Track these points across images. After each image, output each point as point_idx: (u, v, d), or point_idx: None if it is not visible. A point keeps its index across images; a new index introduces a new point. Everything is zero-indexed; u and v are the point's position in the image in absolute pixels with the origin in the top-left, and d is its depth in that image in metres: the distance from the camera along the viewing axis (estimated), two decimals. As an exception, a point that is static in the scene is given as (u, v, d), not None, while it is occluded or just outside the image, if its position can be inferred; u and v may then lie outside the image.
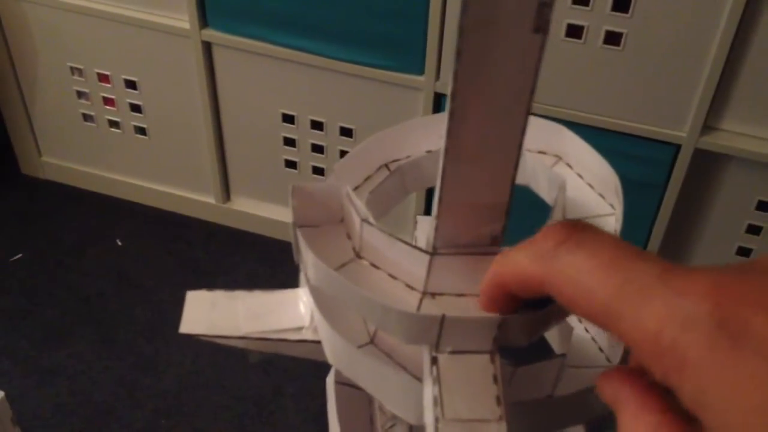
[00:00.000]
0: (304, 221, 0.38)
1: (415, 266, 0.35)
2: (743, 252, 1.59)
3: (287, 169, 1.73)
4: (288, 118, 1.65)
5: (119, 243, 1.81)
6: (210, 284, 1.75)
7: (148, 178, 1.86)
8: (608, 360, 0.43)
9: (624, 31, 1.33)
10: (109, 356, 1.61)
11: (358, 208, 0.37)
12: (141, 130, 1.78)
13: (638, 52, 1.35)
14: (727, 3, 1.26)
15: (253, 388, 1.58)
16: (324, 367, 0.45)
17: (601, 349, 0.43)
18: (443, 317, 0.32)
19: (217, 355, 1.63)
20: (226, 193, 1.83)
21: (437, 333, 0.33)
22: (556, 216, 0.39)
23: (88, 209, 1.90)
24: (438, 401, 0.31)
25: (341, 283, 0.35)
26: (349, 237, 0.38)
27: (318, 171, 1.71)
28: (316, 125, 1.64)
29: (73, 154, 1.88)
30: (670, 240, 1.58)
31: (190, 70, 1.62)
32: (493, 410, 0.31)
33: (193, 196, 1.85)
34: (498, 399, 0.32)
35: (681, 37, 1.32)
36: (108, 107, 1.76)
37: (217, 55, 1.60)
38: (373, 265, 0.36)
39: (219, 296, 0.45)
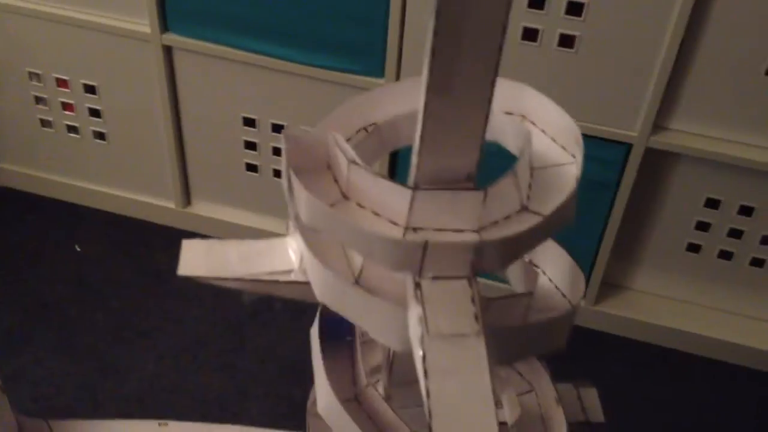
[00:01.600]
0: (295, 165, 0.41)
1: (399, 203, 0.37)
2: (693, 248, 1.64)
3: (248, 172, 1.75)
4: (249, 122, 1.66)
5: (78, 249, 1.81)
6: (172, 290, 1.75)
7: (107, 184, 1.86)
8: (570, 304, 0.46)
9: (577, 33, 1.37)
10: (71, 361, 1.61)
11: (345, 150, 0.39)
12: (100, 135, 1.79)
13: (591, 54, 1.39)
14: (676, 6, 1.31)
15: (216, 390, 1.59)
16: (288, 372, 0.47)
17: (563, 295, 0.46)
18: (426, 242, 0.34)
19: (179, 358, 1.64)
20: (187, 197, 1.84)
21: (420, 258, 0.35)
22: (523, 165, 0.42)
23: (46, 216, 1.90)
24: (422, 320, 0.34)
25: (332, 217, 0.37)
26: (335, 181, 0.40)
27: (279, 174, 1.73)
28: (277, 128, 1.66)
29: (31, 161, 1.88)
30: (623, 238, 1.63)
31: (151, 75, 1.63)
32: (472, 326, 0.34)
33: (153, 201, 1.85)
34: (476, 317, 0.34)
35: (632, 39, 1.37)
36: (67, 112, 1.76)
37: (178, 59, 1.61)
38: (359, 205, 0.39)
39: (213, 243, 0.47)
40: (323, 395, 0.47)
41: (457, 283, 0.35)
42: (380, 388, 0.52)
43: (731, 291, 1.69)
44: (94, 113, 1.75)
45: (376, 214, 0.38)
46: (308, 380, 1.51)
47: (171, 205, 1.85)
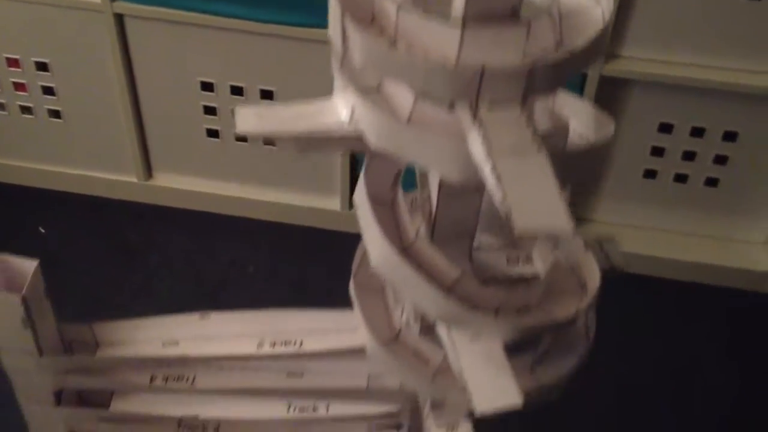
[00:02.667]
0: (347, 13, 0.43)
1: (449, 41, 0.39)
2: (650, 174, 1.70)
3: (209, 138, 1.75)
4: (207, 86, 1.67)
5: (42, 230, 1.79)
6: (144, 263, 1.75)
7: (66, 164, 1.85)
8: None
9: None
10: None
11: None
12: (56, 114, 1.77)
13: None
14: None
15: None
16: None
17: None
18: (483, 67, 0.37)
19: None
20: (148, 170, 1.84)
21: (477, 86, 0.37)
22: (554, 7, 0.45)
23: (4, 202, 1.87)
24: (485, 141, 0.36)
25: (390, 55, 0.39)
26: (381, 33, 0.42)
27: (241, 137, 1.73)
28: (236, 91, 1.66)
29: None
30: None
31: (104, 46, 1.62)
32: (533, 143, 0.36)
33: (115, 177, 1.84)
34: (534, 135, 0.37)
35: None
36: (19, 92, 1.74)
37: (130, 27, 1.60)
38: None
39: (264, 107, 0.49)
40: (376, 249, 0.50)
41: (512, 109, 0.38)
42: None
43: (689, 213, 1.76)
44: (48, 91, 1.73)
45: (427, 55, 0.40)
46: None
47: (133, 179, 1.84)
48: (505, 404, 0.52)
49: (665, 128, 1.62)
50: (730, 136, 1.62)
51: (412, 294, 0.52)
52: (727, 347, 1.66)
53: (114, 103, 1.71)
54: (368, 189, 0.50)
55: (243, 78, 1.64)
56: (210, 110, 1.70)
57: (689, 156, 1.66)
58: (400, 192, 0.54)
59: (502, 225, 0.60)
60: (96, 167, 1.84)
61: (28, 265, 0.62)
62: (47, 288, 0.70)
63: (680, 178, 1.70)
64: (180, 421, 0.74)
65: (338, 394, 0.68)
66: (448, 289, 0.50)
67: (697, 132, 1.62)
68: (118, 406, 0.70)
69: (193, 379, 0.67)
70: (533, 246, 0.59)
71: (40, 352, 0.64)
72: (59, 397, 0.68)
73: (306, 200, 1.81)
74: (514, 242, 0.61)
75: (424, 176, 0.53)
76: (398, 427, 0.74)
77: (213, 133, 1.74)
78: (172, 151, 1.80)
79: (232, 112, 1.70)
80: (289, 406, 0.69)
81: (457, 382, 0.56)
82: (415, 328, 0.58)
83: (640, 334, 1.67)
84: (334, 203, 1.80)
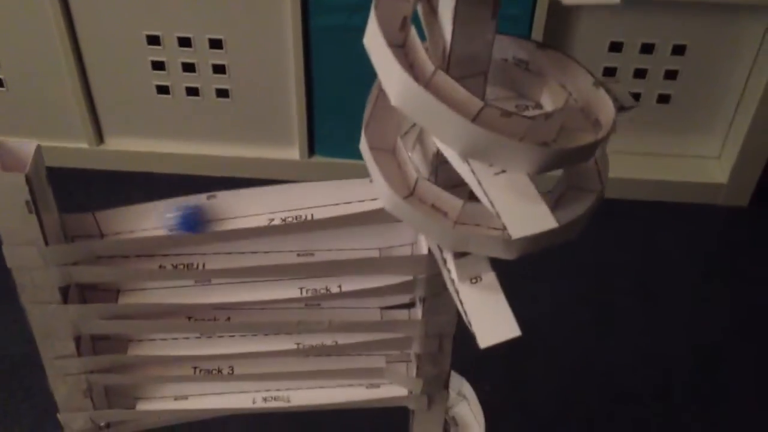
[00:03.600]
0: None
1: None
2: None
3: (160, 95, 1.72)
4: (153, 40, 1.63)
5: None
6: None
7: (11, 133, 1.79)
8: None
9: None
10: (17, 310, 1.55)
11: None
12: (-2, 83, 1.72)
13: None
14: None
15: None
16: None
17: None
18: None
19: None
20: (99, 135, 1.79)
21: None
22: None
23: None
24: None
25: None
26: None
27: (192, 91, 1.70)
28: (184, 42, 1.63)
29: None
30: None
31: (44, 6, 1.57)
32: None
33: (65, 144, 1.80)
34: None
35: None
36: None
37: (70, -18, 1.56)
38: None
39: None
40: (397, 85, 0.50)
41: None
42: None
43: (644, 133, 1.78)
44: (-12, 58, 1.68)
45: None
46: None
47: (84, 145, 1.80)
48: (541, 228, 0.52)
49: (615, 47, 1.64)
50: (679, 50, 1.64)
51: (436, 127, 0.51)
52: (692, 258, 1.70)
53: (58, 66, 1.66)
54: (382, 29, 0.50)
55: (191, 28, 1.61)
56: (158, 65, 1.67)
57: (640, 74, 1.68)
58: (412, 32, 0.53)
59: (510, 76, 0.60)
60: (44, 136, 1.79)
61: (27, 147, 0.60)
62: None
63: (633, 97, 1.72)
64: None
65: (350, 267, 0.67)
66: (473, 117, 0.50)
67: (647, 48, 1.64)
68: (126, 302, 0.68)
69: (203, 265, 0.66)
70: (542, 95, 0.59)
71: (46, 241, 0.62)
72: (65, 295, 0.66)
73: (264, 152, 1.79)
74: (523, 93, 0.61)
75: (432, 20, 0.53)
76: (411, 304, 0.74)
77: (163, 89, 1.71)
78: (123, 113, 1.76)
79: (183, 66, 1.67)
80: (301, 289, 0.68)
81: (478, 230, 0.56)
82: (431, 181, 0.57)
83: (615, 256, 1.69)
84: (293, 153, 1.78)
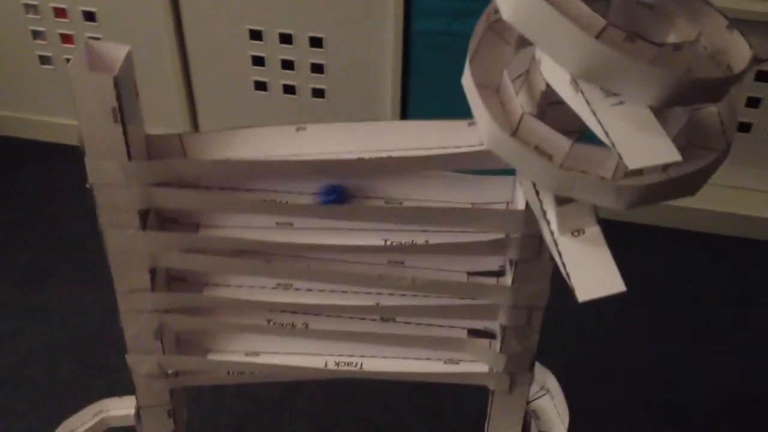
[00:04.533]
0: None
1: None
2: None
3: (257, 91, 1.72)
4: (255, 35, 1.64)
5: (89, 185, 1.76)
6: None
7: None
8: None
9: None
10: (97, 290, 1.56)
11: None
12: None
13: None
14: None
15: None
16: None
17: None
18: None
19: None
20: (195, 125, 1.81)
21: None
22: None
23: (49, 160, 1.85)
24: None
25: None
26: None
27: (289, 89, 1.70)
28: (285, 39, 1.64)
29: (23, 102, 1.82)
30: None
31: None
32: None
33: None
34: None
35: None
36: (67, 45, 1.72)
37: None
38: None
39: None
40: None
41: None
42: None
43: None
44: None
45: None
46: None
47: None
48: (663, 161, 0.48)
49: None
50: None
51: (555, 43, 0.48)
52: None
53: (161, 54, 1.69)
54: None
55: (292, 25, 1.61)
56: (258, 60, 1.67)
57: (753, 103, 1.61)
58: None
59: (635, 17, 0.56)
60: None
61: (118, 49, 0.58)
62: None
63: (744, 128, 1.64)
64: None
65: (440, 217, 0.63)
66: (596, 34, 0.46)
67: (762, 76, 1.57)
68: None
69: (287, 202, 0.63)
70: (668, 36, 0.54)
71: (129, 155, 0.60)
72: (144, 221, 0.64)
73: (354, 156, 1.77)
74: (648, 35, 0.57)
75: None
76: (500, 273, 0.69)
77: (261, 86, 1.71)
78: (220, 106, 1.77)
79: (282, 62, 1.67)
80: (385, 241, 0.65)
81: (584, 175, 0.52)
82: (536, 118, 0.53)
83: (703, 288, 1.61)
84: (383, 158, 1.76)
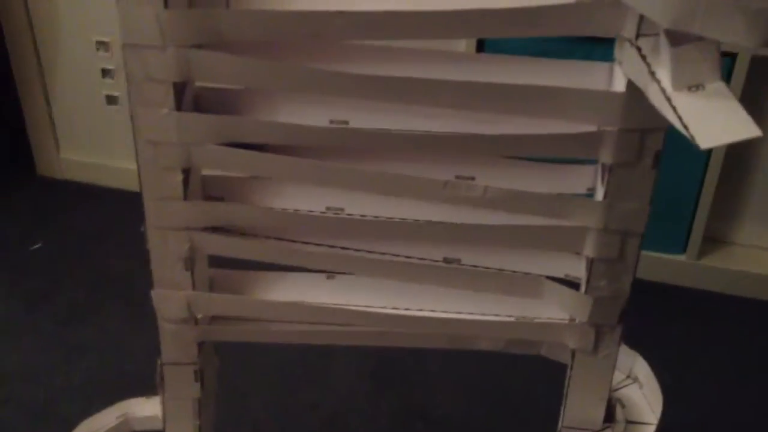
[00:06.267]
0: None
1: None
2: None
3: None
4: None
5: (143, 229, 1.71)
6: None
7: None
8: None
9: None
10: (140, 330, 1.49)
11: None
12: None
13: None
14: None
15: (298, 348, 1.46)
16: None
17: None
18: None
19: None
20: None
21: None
22: None
23: (107, 203, 1.82)
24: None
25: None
26: None
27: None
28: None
29: (87, 145, 1.81)
30: (730, 159, 1.51)
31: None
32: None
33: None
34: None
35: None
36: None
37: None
38: None
39: None
40: None
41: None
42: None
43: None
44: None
45: None
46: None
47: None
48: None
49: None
50: None
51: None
52: None
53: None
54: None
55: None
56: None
57: None
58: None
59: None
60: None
61: None
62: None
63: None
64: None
65: (526, 95, 0.53)
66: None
67: None
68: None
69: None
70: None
71: (166, 2, 0.52)
72: (180, 99, 0.55)
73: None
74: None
75: None
76: (589, 195, 0.58)
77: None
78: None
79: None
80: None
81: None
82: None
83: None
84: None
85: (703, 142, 0.42)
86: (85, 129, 1.79)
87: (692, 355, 1.45)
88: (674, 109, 0.44)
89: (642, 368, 0.70)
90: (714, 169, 1.49)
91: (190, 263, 0.63)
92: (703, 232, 1.57)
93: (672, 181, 1.51)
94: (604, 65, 0.56)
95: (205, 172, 0.62)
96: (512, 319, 0.62)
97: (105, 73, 1.70)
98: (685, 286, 1.59)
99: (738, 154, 1.51)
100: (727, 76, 1.42)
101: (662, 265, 1.59)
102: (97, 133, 1.78)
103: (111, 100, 1.73)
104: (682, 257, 1.60)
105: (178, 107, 0.57)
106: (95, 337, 1.48)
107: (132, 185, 1.76)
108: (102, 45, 1.67)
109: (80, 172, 1.83)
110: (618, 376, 0.70)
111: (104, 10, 1.62)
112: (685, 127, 0.43)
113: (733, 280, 1.59)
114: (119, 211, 1.77)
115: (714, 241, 1.63)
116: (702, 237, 1.57)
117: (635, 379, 0.71)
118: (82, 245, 1.69)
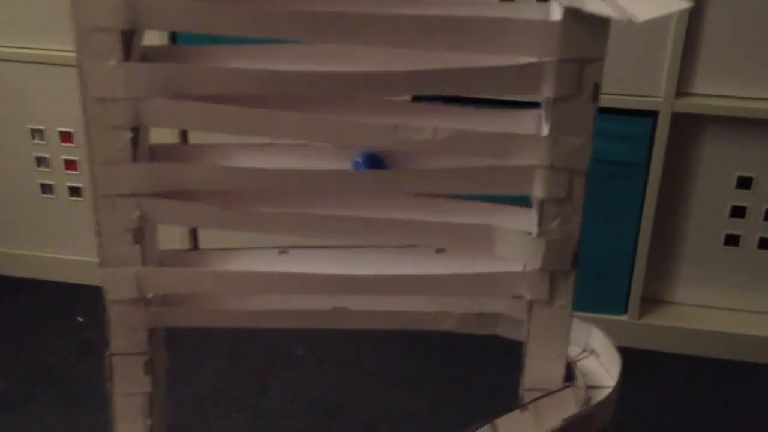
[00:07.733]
0: None
1: None
2: (732, 240, 1.58)
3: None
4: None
5: (80, 319, 1.66)
6: (184, 342, 1.61)
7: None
8: None
9: None
10: (74, 417, 1.44)
11: None
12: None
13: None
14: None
15: (244, 429, 1.43)
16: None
17: None
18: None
19: (200, 404, 1.48)
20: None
21: None
22: None
23: (39, 295, 1.77)
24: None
25: None
26: None
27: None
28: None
29: (21, 237, 1.77)
30: (660, 219, 1.56)
31: None
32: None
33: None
34: None
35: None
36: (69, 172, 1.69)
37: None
38: None
39: None
40: None
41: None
42: None
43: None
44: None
45: None
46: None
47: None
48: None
49: (744, 183, 1.53)
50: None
51: None
52: None
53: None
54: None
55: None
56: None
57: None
58: None
59: None
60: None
61: None
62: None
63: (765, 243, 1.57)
64: None
65: (463, 26, 0.54)
66: None
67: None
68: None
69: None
70: None
71: None
72: (128, 50, 0.54)
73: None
74: None
75: None
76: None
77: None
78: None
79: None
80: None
81: None
82: None
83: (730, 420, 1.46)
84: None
85: (641, 15, 0.44)
86: (18, 220, 1.75)
87: (640, 414, 1.45)
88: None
89: (597, 338, 0.70)
90: (645, 232, 1.53)
91: (139, 235, 0.62)
92: (641, 293, 1.60)
93: (608, 245, 1.55)
94: (541, 3, 0.59)
95: (154, 139, 0.62)
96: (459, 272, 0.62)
97: (40, 161, 1.69)
98: (628, 346, 1.60)
99: (669, 215, 1.56)
100: (649, 134, 1.48)
101: (605, 326, 1.59)
102: (31, 224, 1.75)
103: (46, 188, 1.71)
104: (623, 317, 1.61)
105: (127, 57, 0.57)
106: (29, 426, 1.42)
107: (67, 277, 1.73)
108: (37, 132, 1.67)
109: (13, 266, 1.78)
110: (575, 350, 0.70)
111: (39, 97, 1.63)
112: (624, 9, 0.45)
113: (675, 339, 1.61)
114: (51, 301, 1.73)
115: (654, 301, 1.65)
116: (641, 297, 1.60)
117: (592, 351, 0.70)
118: (13, 336, 1.63)
